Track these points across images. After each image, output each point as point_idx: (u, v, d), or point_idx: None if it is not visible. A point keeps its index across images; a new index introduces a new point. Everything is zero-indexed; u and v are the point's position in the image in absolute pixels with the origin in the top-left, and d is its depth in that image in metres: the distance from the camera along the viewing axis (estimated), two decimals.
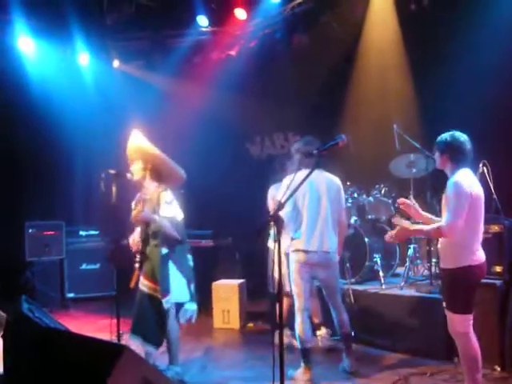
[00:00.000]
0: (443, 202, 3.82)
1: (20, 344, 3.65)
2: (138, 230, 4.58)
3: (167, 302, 4.29)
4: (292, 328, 5.40)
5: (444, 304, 3.84)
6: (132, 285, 4.46)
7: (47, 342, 3.38)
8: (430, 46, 6.57)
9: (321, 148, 3.24)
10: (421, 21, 6.70)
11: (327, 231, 4.66)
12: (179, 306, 4.42)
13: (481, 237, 3.82)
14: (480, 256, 3.77)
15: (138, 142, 4.45)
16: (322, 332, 5.63)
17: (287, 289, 5.01)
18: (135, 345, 4.28)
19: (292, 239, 4.65)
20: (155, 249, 4.35)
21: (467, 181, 3.74)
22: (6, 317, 5.07)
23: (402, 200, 4.19)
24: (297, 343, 4.74)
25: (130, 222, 4.56)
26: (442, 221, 3.73)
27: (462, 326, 3.70)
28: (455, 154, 3.85)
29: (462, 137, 3.88)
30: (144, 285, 4.38)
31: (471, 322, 3.72)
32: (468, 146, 3.88)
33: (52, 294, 7.81)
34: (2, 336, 4.24)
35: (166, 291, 4.29)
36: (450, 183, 3.78)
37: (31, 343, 3.43)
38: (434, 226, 3.79)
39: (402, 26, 6.86)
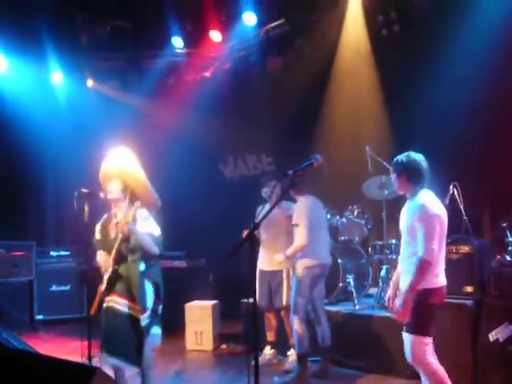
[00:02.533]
0: (405, 225, 3.71)
1: None
2: (99, 253, 4.46)
3: (145, 319, 4.18)
4: (275, 346, 5.72)
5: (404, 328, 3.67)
6: (93, 311, 4.32)
7: (16, 365, 3.29)
8: (402, 69, 6.70)
9: (296, 168, 3.26)
10: (392, 45, 6.85)
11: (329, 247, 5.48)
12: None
13: (443, 260, 3.72)
14: (441, 280, 3.69)
15: (125, 162, 4.34)
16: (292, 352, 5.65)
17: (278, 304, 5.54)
18: (110, 365, 4.17)
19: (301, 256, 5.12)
20: (133, 264, 4.21)
21: (433, 202, 3.70)
22: None
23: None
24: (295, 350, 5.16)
25: (93, 245, 4.42)
26: (419, 250, 3.56)
27: (419, 349, 3.58)
28: (413, 175, 3.74)
29: (418, 156, 3.79)
30: (119, 303, 4.25)
31: (430, 345, 3.64)
32: (425, 165, 3.78)
33: (20, 315, 7.64)
34: None
35: (144, 308, 4.18)
36: (415, 206, 3.68)
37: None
38: (413, 267, 3.55)
39: (374, 50, 7.00)
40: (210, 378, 5.57)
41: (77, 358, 4.95)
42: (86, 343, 4.73)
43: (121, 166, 4.33)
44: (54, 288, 8.16)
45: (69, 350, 6.31)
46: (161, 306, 4.39)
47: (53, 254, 8.37)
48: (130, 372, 4.21)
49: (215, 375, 5.65)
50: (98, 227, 4.42)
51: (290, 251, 5.15)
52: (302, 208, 5.12)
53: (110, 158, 4.38)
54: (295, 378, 5.01)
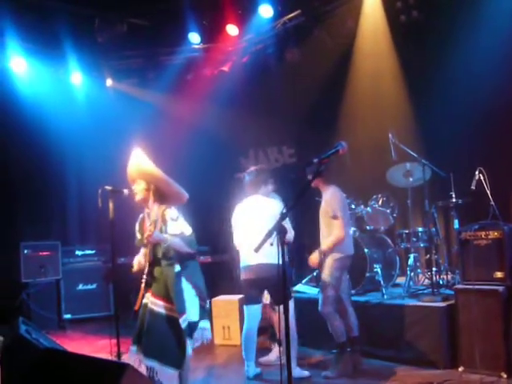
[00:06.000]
0: None
1: (19, 366, 3.58)
2: (142, 251, 4.46)
3: (184, 321, 4.12)
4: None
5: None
6: (136, 307, 4.32)
7: (48, 364, 3.31)
8: (423, 55, 6.62)
9: (322, 156, 3.22)
10: (412, 31, 6.75)
11: None
12: (191, 325, 4.22)
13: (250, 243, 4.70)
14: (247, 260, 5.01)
15: (140, 162, 4.31)
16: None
17: None
18: (146, 367, 4.15)
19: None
20: (169, 268, 4.19)
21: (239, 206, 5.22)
22: (3, 340, 4.99)
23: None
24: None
25: (136, 244, 4.45)
26: None
27: None
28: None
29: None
30: (157, 305, 4.17)
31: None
32: (246, 178, 5.26)
33: (48, 315, 7.73)
34: (0, 359, 4.15)
35: (182, 310, 4.14)
36: None
37: (31, 365, 3.35)
38: None
39: (393, 37, 6.90)
40: (240, 372, 5.54)
41: (105, 355, 4.98)
42: (114, 341, 4.75)
43: (138, 165, 4.33)
44: (80, 287, 8.24)
45: (97, 347, 6.37)
46: (208, 301, 4.38)
47: (78, 253, 8.45)
48: (169, 374, 4.17)
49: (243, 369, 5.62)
50: (136, 227, 4.45)
51: (327, 245, 5.04)
52: (337, 198, 5.04)
53: (131, 160, 4.39)
54: (340, 369, 4.98)
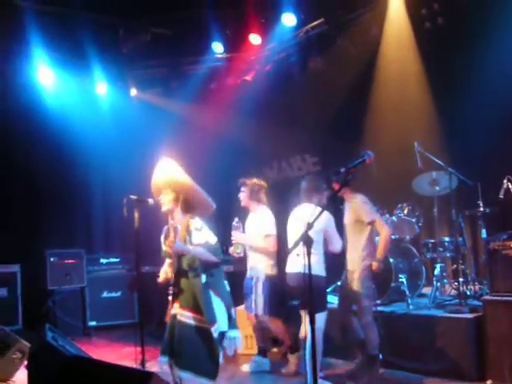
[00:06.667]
0: None
1: (46, 373, 3.61)
2: (167, 261, 4.44)
3: (215, 331, 4.08)
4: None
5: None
6: (167, 318, 4.33)
7: (74, 371, 3.33)
8: (449, 62, 6.54)
9: (349, 166, 3.20)
10: (437, 37, 6.67)
11: None
12: (220, 335, 4.18)
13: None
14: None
15: (172, 172, 4.28)
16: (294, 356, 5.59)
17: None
18: (179, 378, 4.14)
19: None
20: (195, 279, 4.16)
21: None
22: (30, 346, 5.05)
23: None
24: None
25: (162, 256, 4.45)
26: None
27: None
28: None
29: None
30: (186, 316, 4.15)
31: None
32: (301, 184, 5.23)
33: (74, 322, 7.80)
34: (27, 366, 4.21)
35: (212, 320, 4.10)
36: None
37: (57, 372, 3.38)
38: None
39: (418, 44, 6.82)
40: (263, 381, 5.52)
41: (130, 363, 4.99)
42: (139, 349, 4.76)
43: (168, 176, 4.30)
44: (105, 294, 8.30)
45: (121, 355, 6.39)
46: (233, 309, 4.33)
47: (103, 261, 8.51)
48: None
49: (268, 379, 5.59)
50: (162, 239, 4.43)
51: (379, 251, 4.91)
52: (368, 204, 4.99)
53: (158, 170, 4.36)
54: (366, 381, 4.91)
